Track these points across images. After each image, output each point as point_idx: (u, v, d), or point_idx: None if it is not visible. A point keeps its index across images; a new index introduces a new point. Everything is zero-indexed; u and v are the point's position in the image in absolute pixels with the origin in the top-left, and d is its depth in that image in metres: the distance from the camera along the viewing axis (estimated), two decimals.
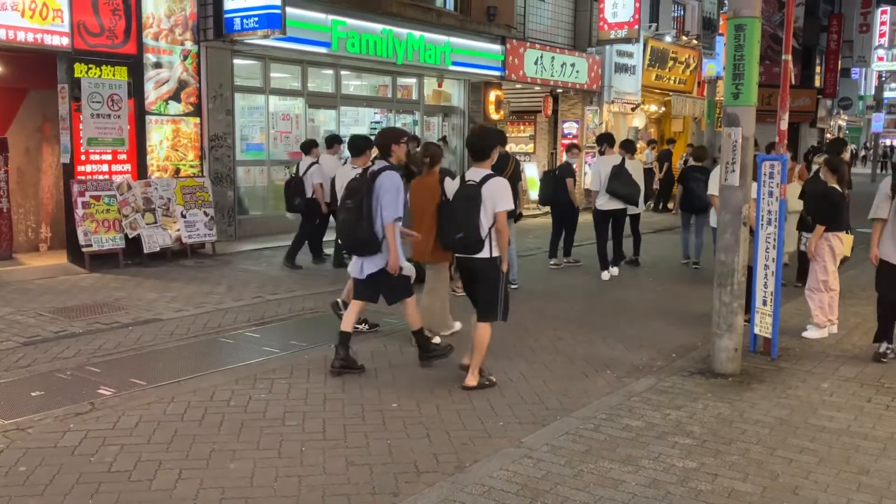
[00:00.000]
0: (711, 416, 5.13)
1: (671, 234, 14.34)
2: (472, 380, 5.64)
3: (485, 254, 5.47)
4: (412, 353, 6.35)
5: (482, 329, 5.65)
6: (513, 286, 8.01)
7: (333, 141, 10.80)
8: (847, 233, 7.37)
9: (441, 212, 5.83)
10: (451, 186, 5.67)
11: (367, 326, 7.15)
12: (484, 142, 5.65)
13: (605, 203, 10.36)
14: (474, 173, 5.54)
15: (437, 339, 6.54)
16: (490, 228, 5.44)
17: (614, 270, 10.49)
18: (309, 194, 10.36)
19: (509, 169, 8.45)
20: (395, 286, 6.00)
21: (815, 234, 7.19)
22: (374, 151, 6.52)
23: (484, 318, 5.66)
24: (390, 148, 6.08)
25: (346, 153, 10.69)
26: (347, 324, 6.02)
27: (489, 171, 5.54)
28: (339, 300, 7.08)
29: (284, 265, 10.44)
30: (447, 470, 4.31)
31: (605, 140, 10.93)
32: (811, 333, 7.22)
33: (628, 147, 10.87)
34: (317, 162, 10.42)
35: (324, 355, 6.40)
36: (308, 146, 10.72)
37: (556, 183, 10.76)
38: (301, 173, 10.49)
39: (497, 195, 5.41)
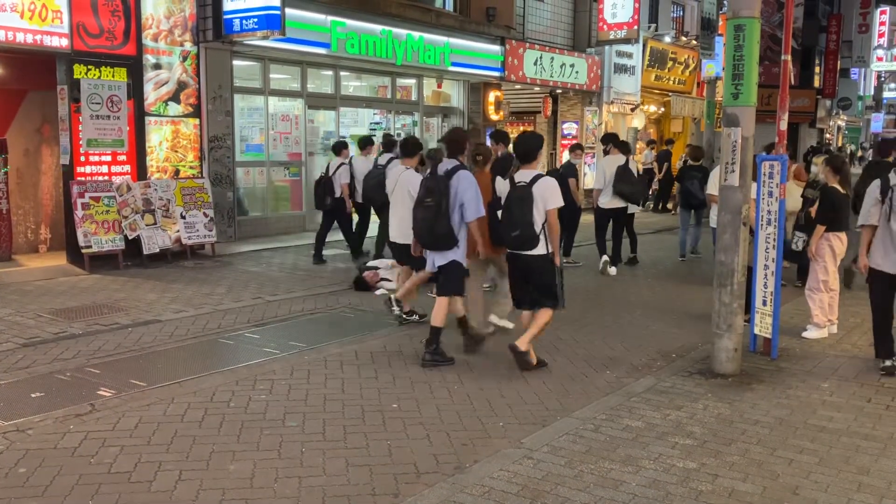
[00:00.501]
0: (711, 417, 5.13)
1: (670, 235, 14.34)
2: (523, 343, 5.94)
3: (540, 251, 5.86)
4: (412, 353, 6.35)
5: (543, 313, 6.04)
6: None
7: (367, 143, 11.09)
8: None
9: (494, 211, 6.23)
10: (502, 187, 6.07)
11: (417, 317, 7.44)
12: (530, 145, 6.07)
13: (609, 202, 10.47)
14: (524, 174, 5.95)
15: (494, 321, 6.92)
16: (543, 225, 5.82)
17: (612, 270, 10.54)
18: (337, 194, 10.73)
19: (514, 168, 8.48)
20: (452, 280, 6.25)
21: (816, 234, 7.17)
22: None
23: (547, 307, 6.01)
24: (464, 145, 6.41)
25: (367, 153, 10.99)
26: (440, 318, 6.24)
27: (537, 172, 5.96)
28: (391, 297, 7.43)
29: (354, 262, 10.85)
30: (447, 471, 4.31)
31: (610, 140, 10.99)
32: (811, 333, 7.21)
33: (625, 148, 10.92)
34: (345, 163, 10.79)
35: (324, 356, 6.41)
36: (338, 147, 11.07)
37: (559, 183, 10.83)
38: (331, 173, 10.79)
39: (548, 194, 5.85)
